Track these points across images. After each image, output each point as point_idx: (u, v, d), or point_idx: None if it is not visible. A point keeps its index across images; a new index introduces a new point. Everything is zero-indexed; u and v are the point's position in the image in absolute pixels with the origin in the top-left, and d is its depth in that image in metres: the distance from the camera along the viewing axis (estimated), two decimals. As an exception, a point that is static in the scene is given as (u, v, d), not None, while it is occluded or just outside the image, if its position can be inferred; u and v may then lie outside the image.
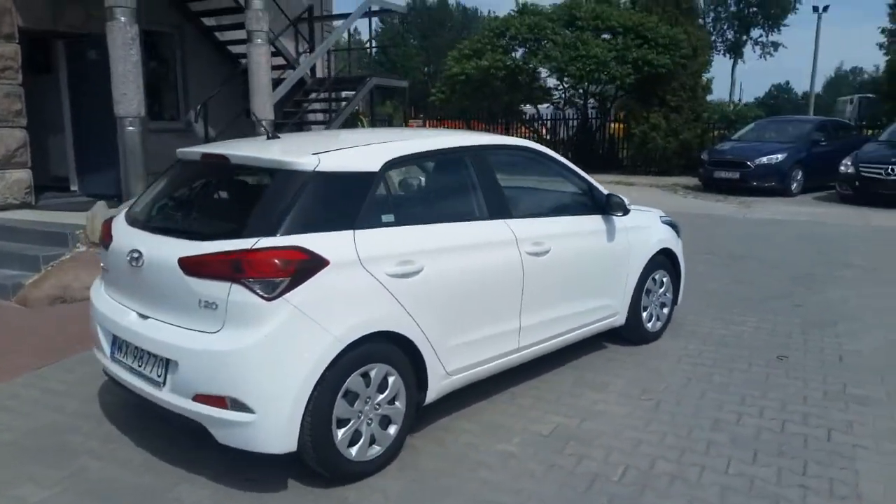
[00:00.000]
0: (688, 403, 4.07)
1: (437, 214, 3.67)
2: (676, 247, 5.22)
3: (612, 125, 20.28)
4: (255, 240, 2.93)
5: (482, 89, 18.89)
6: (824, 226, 10.64)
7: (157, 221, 3.48)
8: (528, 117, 20.99)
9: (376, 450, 3.24)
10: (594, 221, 4.50)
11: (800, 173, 14.43)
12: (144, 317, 3.23)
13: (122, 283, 3.40)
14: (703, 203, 13.04)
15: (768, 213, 11.88)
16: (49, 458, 3.42)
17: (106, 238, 3.57)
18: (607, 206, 4.49)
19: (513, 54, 18.28)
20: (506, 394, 4.16)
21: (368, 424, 3.20)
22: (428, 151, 3.71)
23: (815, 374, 4.52)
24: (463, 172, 3.83)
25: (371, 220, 3.25)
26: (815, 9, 35.94)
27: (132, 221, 3.51)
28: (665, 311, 5.23)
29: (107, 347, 3.47)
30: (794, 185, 14.32)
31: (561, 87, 19.37)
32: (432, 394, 3.51)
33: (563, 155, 4.66)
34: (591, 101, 19.64)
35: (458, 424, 3.77)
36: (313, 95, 11.65)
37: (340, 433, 3.08)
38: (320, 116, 11.80)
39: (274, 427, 2.90)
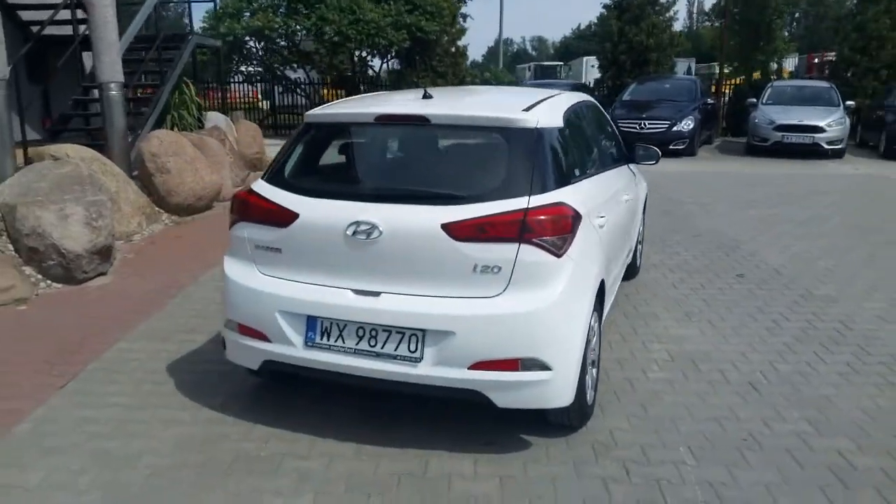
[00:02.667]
0: (730, 319, 4.79)
1: (593, 166, 3.84)
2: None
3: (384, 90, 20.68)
4: (525, 199, 2.86)
5: (240, 51, 18.00)
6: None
7: (374, 189, 3.15)
8: (292, 81, 20.38)
9: (591, 392, 3.40)
10: (630, 170, 4.97)
11: (566, 130, 16.45)
12: (374, 293, 2.93)
13: (323, 260, 3.00)
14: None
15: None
16: (251, 474, 2.94)
17: (279, 214, 3.07)
18: (636, 156, 4.98)
19: (276, 16, 17.56)
20: (590, 333, 4.48)
21: (591, 368, 3.35)
22: (574, 105, 3.81)
23: (778, 284, 5.58)
24: (589, 125, 4.03)
25: (574, 175, 3.34)
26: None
27: (321, 193, 3.09)
28: (640, 248, 5.95)
29: (295, 336, 3.04)
30: (562, 141, 16.30)
31: (322, 50, 19.13)
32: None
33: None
34: (359, 67, 19.75)
35: (592, 364, 4.03)
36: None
37: (587, 379, 3.20)
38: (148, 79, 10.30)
39: (566, 380, 2.92)
